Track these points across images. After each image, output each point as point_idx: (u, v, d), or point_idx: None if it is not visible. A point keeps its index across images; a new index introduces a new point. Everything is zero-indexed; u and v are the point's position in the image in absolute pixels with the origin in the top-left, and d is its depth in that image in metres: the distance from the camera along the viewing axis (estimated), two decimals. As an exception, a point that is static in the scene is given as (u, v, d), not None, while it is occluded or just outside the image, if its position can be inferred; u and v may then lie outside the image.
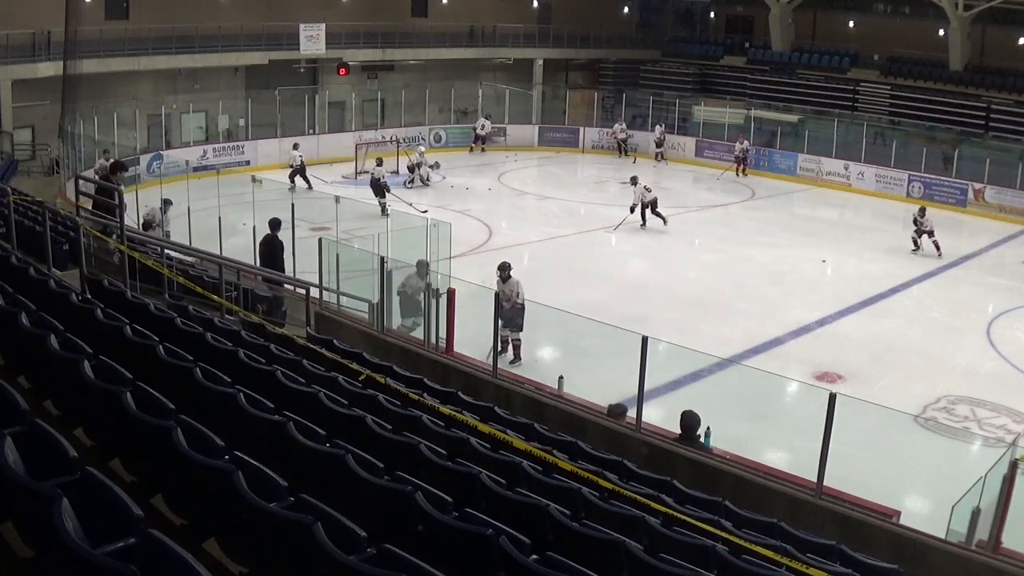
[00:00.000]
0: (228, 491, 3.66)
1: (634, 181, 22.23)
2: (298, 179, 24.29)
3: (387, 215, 20.48)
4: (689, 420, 8.49)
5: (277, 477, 4.07)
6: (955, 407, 12.19)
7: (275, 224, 13.72)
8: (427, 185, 25.89)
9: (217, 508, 3.83)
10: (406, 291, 12.17)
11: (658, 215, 21.66)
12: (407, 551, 3.58)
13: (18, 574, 3.35)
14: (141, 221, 15.41)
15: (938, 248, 20.41)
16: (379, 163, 23.05)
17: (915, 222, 20.80)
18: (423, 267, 12.29)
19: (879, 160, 28.50)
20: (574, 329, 13.00)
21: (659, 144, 31.99)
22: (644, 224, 21.64)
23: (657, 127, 32.27)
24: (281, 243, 13.62)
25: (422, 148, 27.55)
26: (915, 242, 20.78)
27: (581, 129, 33.85)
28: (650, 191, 21.76)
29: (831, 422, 7.13)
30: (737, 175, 29.32)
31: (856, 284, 18.02)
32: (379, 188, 22.10)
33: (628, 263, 19.32)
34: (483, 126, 32.71)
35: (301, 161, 24.72)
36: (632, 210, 21.49)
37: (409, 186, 25.55)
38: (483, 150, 32.58)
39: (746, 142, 29.76)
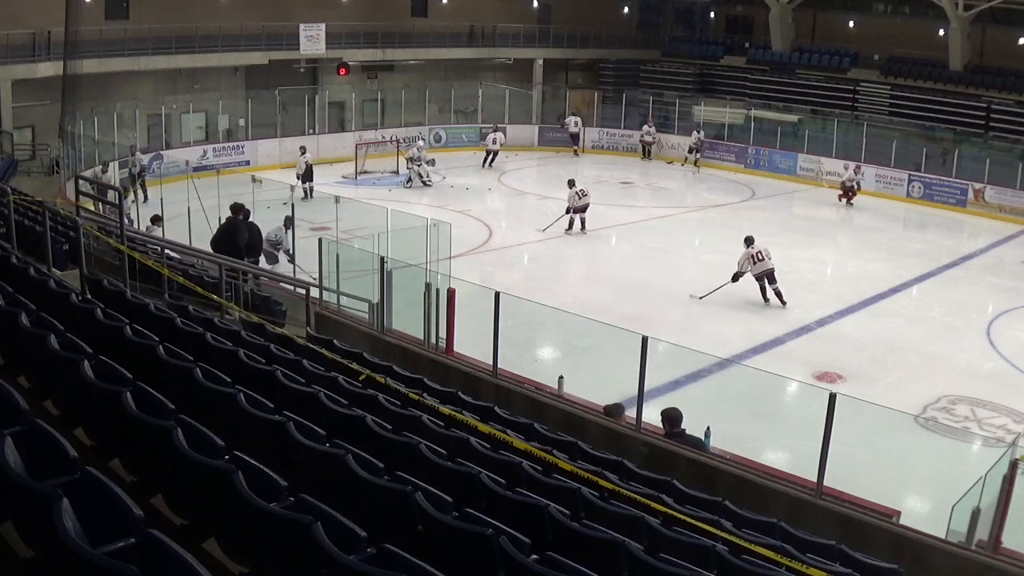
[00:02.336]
0: (228, 491, 3.66)
1: (571, 184, 20.93)
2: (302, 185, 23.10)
3: (309, 199, 22.11)
4: (671, 414, 8.48)
5: (277, 477, 4.07)
6: (955, 407, 12.19)
7: (236, 208, 13.95)
8: (428, 185, 25.80)
9: (217, 508, 3.83)
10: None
11: (582, 221, 20.74)
12: (407, 551, 3.59)
13: (18, 574, 3.35)
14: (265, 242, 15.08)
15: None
16: (303, 151, 24.19)
17: None
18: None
19: (879, 160, 28.51)
20: (574, 329, 13.02)
21: (696, 149, 30.82)
22: (570, 229, 20.74)
23: (695, 132, 31.14)
24: (242, 226, 13.67)
25: (420, 143, 27.33)
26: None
27: (581, 129, 33.83)
28: (584, 195, 20.52)
29: (831, 422, 7.13)
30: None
31: (856, 284, 18.02)
32: (309, 174, 23.46)
33: (628, 263, 19.31)
34: (575, 123, 32.84)
35: (307, 165, 23.82)
36: (567, 211, 20.67)
37: (408, 186, 25.52)
38: (576, 152, 32.65)
39: (860, 170, 26.69)
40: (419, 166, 25.88)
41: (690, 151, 31.00)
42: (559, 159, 32.40)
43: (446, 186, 26.00)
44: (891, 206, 26.85)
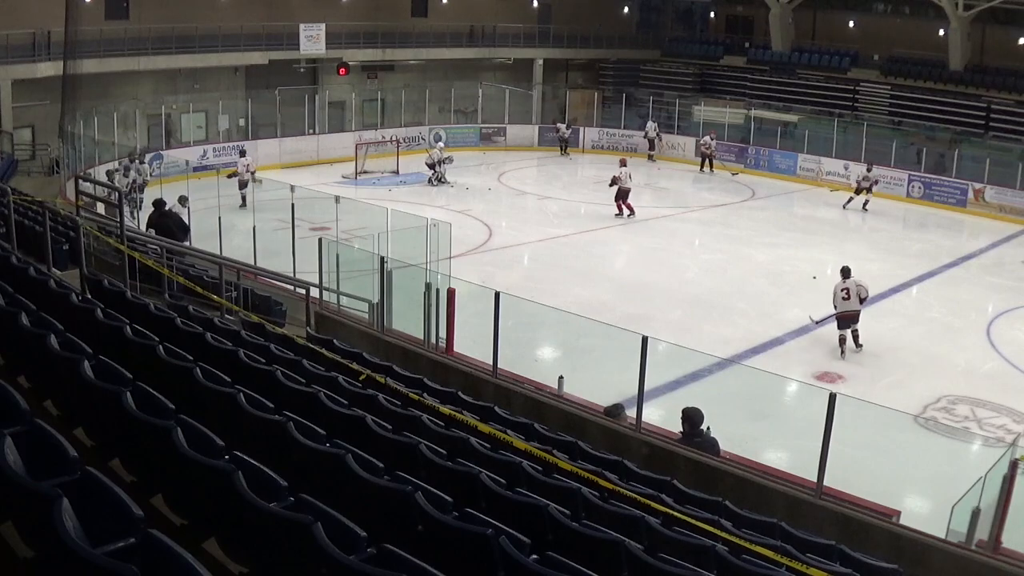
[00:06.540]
0: (228, 491, 3.66)
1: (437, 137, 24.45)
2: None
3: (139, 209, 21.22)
4: (692, 415, 8.39)
5: (277, 477, 4.07)
6: (955, 407, 12.19)
7: (159, 203, 14.82)
8: (446, 183, 26.05)
9: (217, 508, 3.83)
10: None
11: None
12: (407, 551, 3.58)
13: (18, 574, 3.35)
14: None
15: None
16: (131, 160, 23.25)
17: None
18: None
19: (879, 160, 28.51)
20: (574, 329, 13.01)
21: (867, 189, 25.34)
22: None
23: (866, 168, 25.90)
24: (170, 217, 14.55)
25: (441, 144, 27.61)
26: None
27: (581, 129, 33.84)
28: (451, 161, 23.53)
29: (831, 422, 7.13)
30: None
31: (856, 284, 17.99)
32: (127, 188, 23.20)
33: (628, 263, 19.32)
34: (653, 129, 32.30)
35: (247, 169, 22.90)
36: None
37: (436, 184, 25.85)
38: (651, 158, 31.93)
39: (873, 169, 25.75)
40: (440, 166, 26.14)
41: (859, 184, 25.75)
42: (559, 159, 32.37)
43: (446, 186, 26.03)
44: (891, 206, 26.85)
